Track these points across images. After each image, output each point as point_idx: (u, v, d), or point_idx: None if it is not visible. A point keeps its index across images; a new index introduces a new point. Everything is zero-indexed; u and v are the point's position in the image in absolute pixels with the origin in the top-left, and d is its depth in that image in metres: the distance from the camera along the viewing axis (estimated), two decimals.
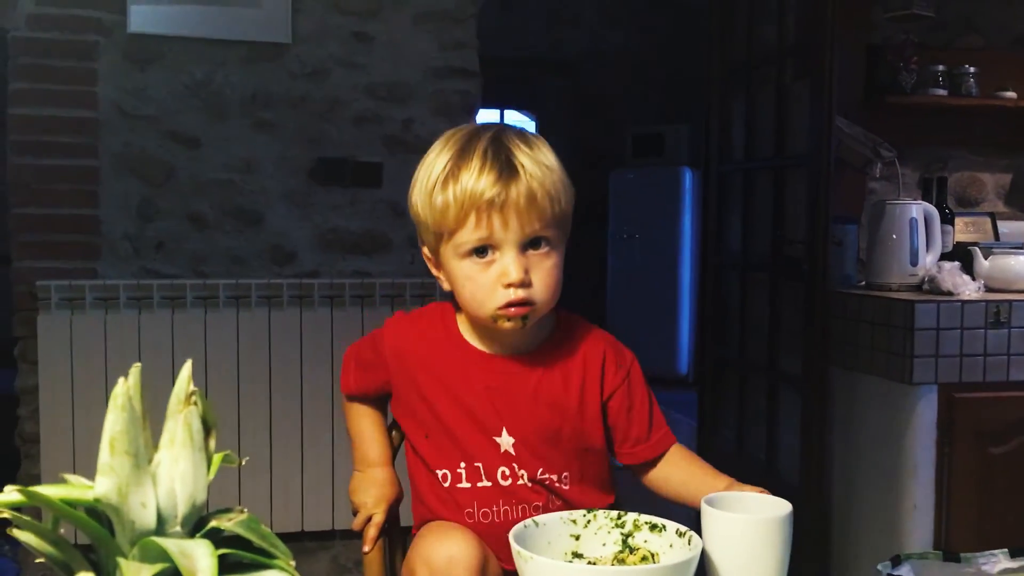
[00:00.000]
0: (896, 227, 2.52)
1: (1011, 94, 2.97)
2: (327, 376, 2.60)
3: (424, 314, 1.19)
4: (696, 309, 5.41)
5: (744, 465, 2.87)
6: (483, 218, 1.03)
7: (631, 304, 5.74)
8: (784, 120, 2.81)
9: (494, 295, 1.06)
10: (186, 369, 0.46)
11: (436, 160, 1.08)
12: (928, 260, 2.52)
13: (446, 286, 1.13)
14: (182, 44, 2.60)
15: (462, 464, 1.12)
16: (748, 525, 0.91)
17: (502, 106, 6.89)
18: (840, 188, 2.64)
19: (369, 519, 1.16)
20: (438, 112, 2.77)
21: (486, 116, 6.84)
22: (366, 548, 1.15)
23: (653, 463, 1.18)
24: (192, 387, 0.45)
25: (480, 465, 1.12)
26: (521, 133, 1.11)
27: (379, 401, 1.23)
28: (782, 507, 0.94)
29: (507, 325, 1.07)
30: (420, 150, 3.16)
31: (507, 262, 1.05)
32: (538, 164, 1.06)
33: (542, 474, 1.12)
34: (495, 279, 1.05)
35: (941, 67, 2.87)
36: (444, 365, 1.13)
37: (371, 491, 1.18)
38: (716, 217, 3.25)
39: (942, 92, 2.89)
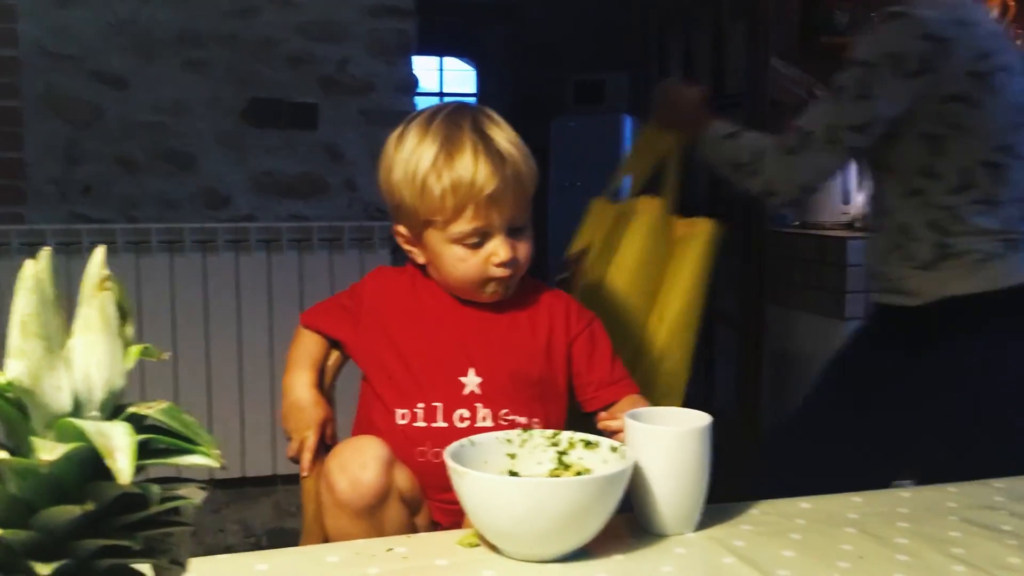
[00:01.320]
0: None
1: None
2: (265, 320, 2.57)
3: (404, 269, 1.25)
4: None
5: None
6: (481, 210, 1.10)
7: None
8: (721, 61, 2.83)
9: (484, 272, 1.13)
10: (98, 254, 0.45)
11: (420, 147, 1.11)
12: (860, 199, 2.57)
13: (421, 260, 1.18)
14: None
15: (420, 404, 1.14)
16: (668, 436, 0.94)
17: (441, 53, 6.78)
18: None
19: (302, 444, 1.16)
20: (374, 52, 2.72)
21: (424, 64, 6.75)
22: (303, 473, 1.15)
23: (613, 407, 1.21)
24: (105, 271, 0.44)
25: (439, 405, 1.14)
26: (488, 114, 1.15)
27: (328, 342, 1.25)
28: (702, 419, 0.96)
29: (492, 293, 1.16)
30: (356, 91, 3.06)
31: (497, 245, 1.12)
32: (515, 146, 1.12)
33: (507, 415, 1.15)
34: (485, 259, 1.13)
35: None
36: (417, 308, 1.19)
37: (299, 416, 1.18)
38: None
39: None
